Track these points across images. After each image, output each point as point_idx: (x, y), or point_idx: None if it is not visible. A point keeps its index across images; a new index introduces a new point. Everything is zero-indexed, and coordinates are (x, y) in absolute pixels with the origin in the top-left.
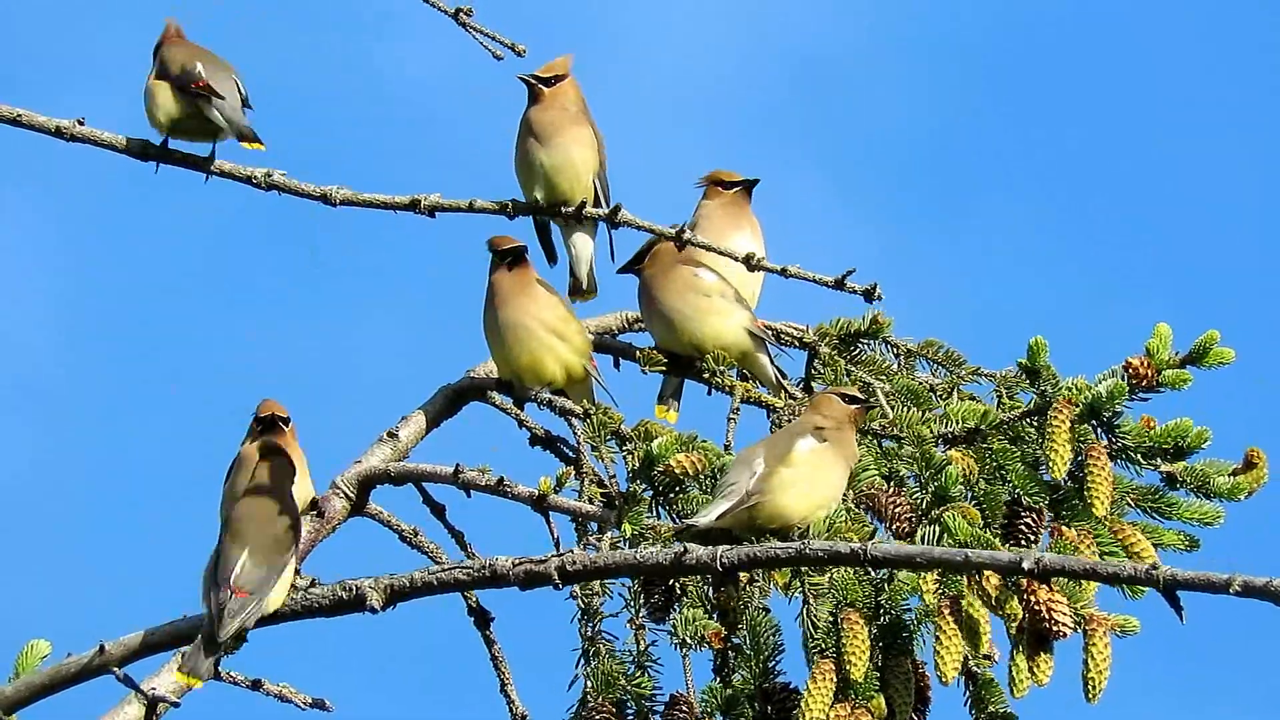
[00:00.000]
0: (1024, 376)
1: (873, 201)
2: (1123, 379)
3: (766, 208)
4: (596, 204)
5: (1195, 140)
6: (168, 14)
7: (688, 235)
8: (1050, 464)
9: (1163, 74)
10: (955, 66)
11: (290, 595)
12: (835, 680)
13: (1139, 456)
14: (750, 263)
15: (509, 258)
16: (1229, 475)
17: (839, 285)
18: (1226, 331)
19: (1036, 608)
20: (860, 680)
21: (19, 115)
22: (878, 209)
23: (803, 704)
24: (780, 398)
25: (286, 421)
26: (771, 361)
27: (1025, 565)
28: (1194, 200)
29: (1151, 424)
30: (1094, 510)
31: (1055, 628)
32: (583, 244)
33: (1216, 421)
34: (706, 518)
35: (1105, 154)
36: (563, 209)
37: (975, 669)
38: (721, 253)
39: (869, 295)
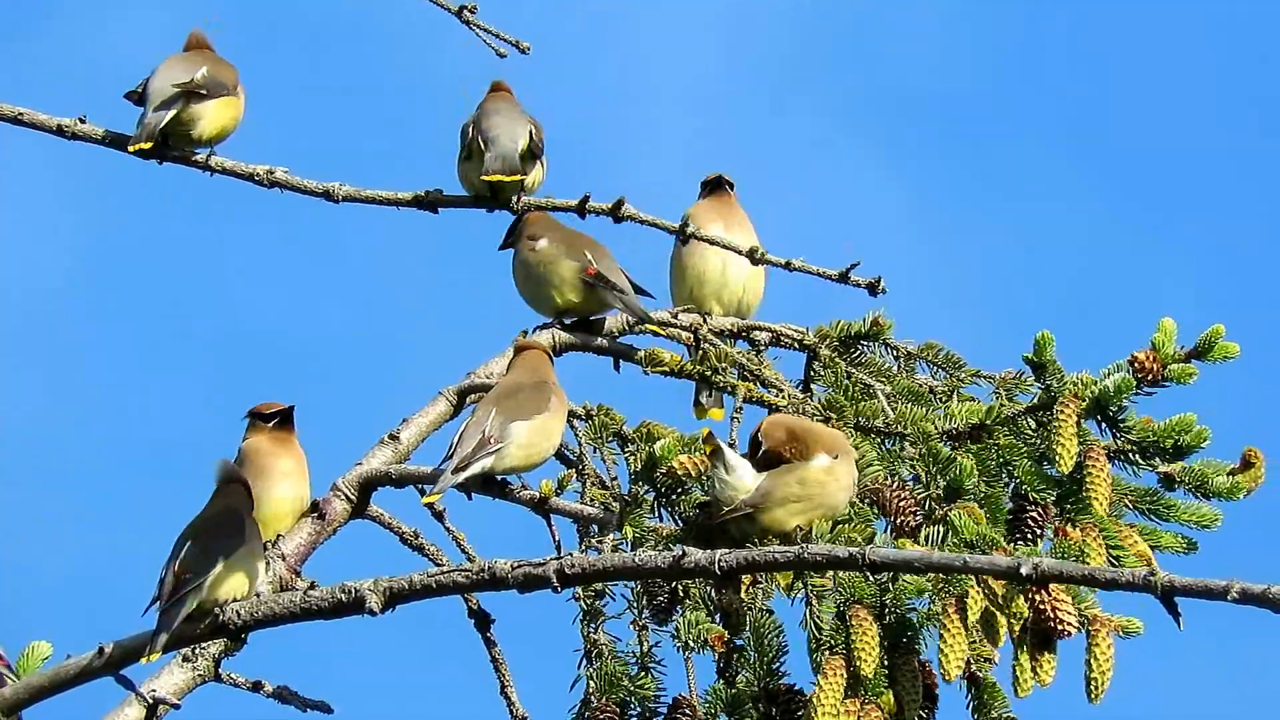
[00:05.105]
0: (1029, 371)
1: (899, 163)
2: (1129, 373)
3: (788, 173)
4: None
5: (1209, 137)
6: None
7: (691, 229)
8: (1057, 457)
9: (1170, 74)
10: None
11: (290, 597)
12: (845, 676)
13: (1138, 456)
14: (754, 257)
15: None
16: (1227, 475)
17: (843, 279)
18: (1236, 329)
19: (1041, 607)
20: (870, 676)
21: (20, 114)
22: (904, 168)
23: (814, 700)
24: (649, 329)
25: (274, 412)
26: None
27: (1024, 571)
28: (1209, 199)
29: (1150, 425)
30: (1092, 511)
31: (1060, 627)
32: None
33: (1220, 415)
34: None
35: (1118, 148)
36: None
37: (978, 673)
38: (726, 246)
39: (873, 289)
